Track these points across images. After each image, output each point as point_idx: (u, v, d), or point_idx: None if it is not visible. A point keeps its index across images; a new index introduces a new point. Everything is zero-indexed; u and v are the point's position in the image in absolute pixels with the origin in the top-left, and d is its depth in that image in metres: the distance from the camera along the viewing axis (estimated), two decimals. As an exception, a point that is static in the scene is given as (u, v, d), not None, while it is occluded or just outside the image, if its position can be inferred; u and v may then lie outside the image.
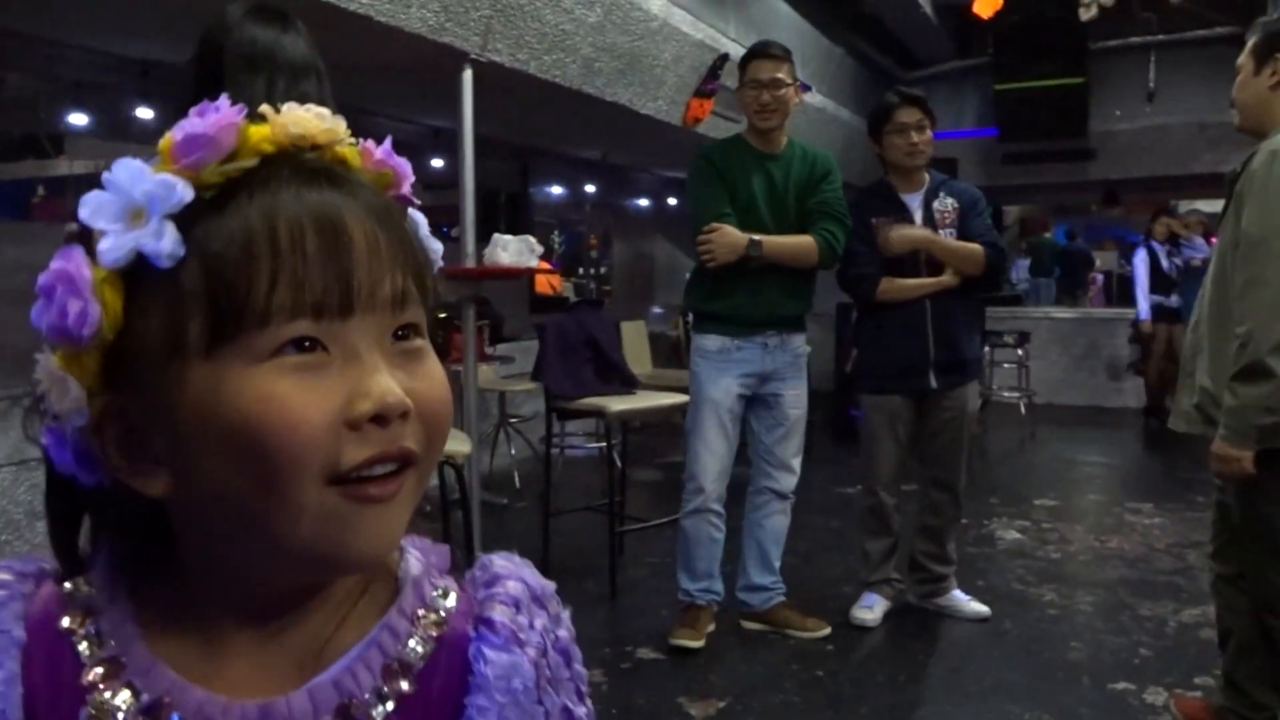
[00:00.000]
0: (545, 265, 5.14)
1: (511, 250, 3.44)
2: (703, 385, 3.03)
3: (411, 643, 0.53)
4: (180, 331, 0.45)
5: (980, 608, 3.29)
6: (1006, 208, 10.01)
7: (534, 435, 5.36)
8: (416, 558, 0.56)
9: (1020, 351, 7.17)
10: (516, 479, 5.22)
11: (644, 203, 10.42)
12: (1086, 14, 6.50)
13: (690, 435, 3.08)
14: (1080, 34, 7.85)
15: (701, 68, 5.31)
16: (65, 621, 0.50)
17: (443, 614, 0.54)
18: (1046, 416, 7.42)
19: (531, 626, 0.55)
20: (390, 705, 0.51)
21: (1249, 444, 2.01)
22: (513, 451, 5.39)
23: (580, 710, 0.56)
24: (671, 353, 6.88)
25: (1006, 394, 7.31)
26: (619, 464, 4.06)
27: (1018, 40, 8.05)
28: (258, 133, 0.46)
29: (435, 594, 0.55)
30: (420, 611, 0.54)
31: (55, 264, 0.45)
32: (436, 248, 0.55)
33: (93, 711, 0.47)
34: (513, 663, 0.53)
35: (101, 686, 0.48)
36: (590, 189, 9.88)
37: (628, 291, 10.49)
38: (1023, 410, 7.09)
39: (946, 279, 3.11)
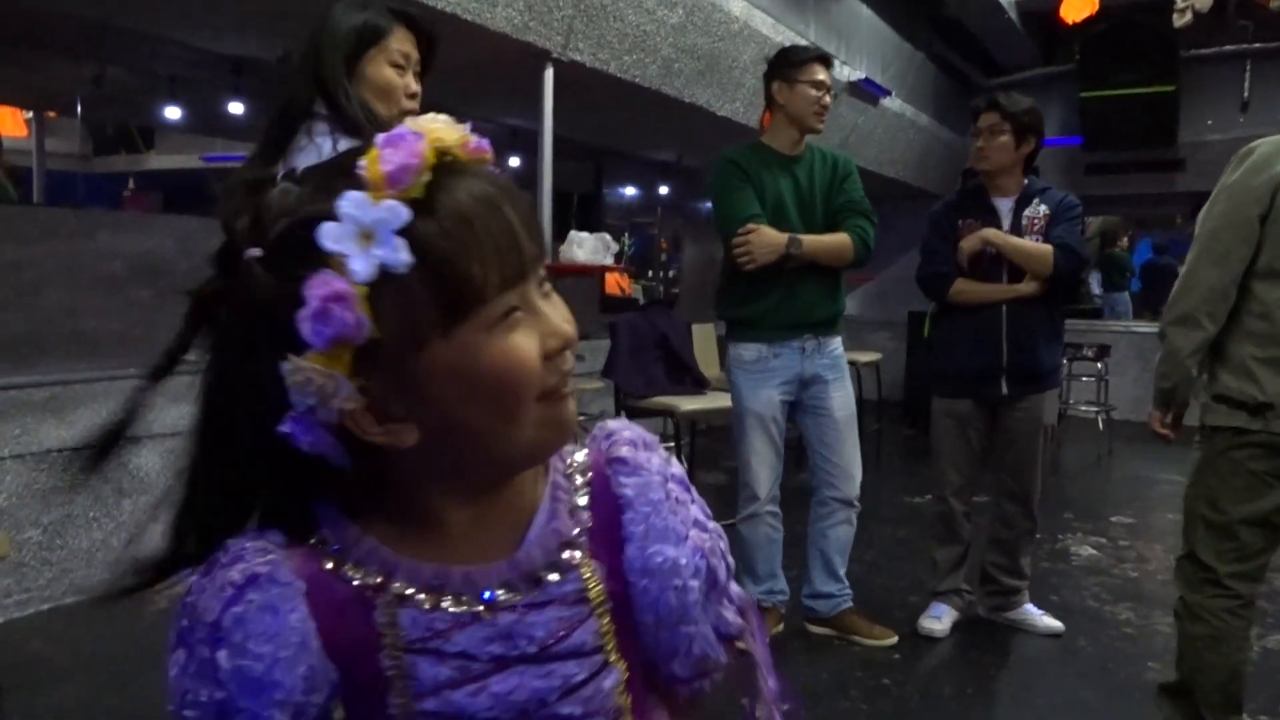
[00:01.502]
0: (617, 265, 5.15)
1: (588, 247, 3.47)
2: (744, 398, 3.00)
3: (578, 493, 0.71)
4: (419, 322, 0.57)
5: (1054, 623, 3.21)
6: (1088, 219, 9.77)
7: (601, 434, 5.38)
8: None
9: (1100, 365, 6.98)
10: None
11: (716, 206, 10.37)
12: (1180, 20, 6.31)
13: (738, 445, 3.06)
14: (1171, 41, 7.62)
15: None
16: (328, 565, 0.63)
17: (581, 462, 0.72)
18: (1125, 433, 7.21)
19: (649, 461, 0.72)
20: (582, 541, 0.69)
21: (1156, 405, 2.25)
22: (580, 449, 5.41)
23: (711, 524, 0.74)
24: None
25: (1084, 408, 7.13)
26: (686, 465, 4.06)
27: (1105, 47, 7.84)
28: (429, 155, 0.57)
29: (569, 454, 0.72)
30: (564, 464, 0.72)
31: (319, 290, 0.55)
32: None
33: (383, 615, 0.62)
34: (645, 482, 0.71)
35: (380, 594, 0.63)
36: (663, 191, 9.90)
37: (697, 295, 10.48)
38: (1100, 426, 6.90)
39: (1024, 287, 3.04)
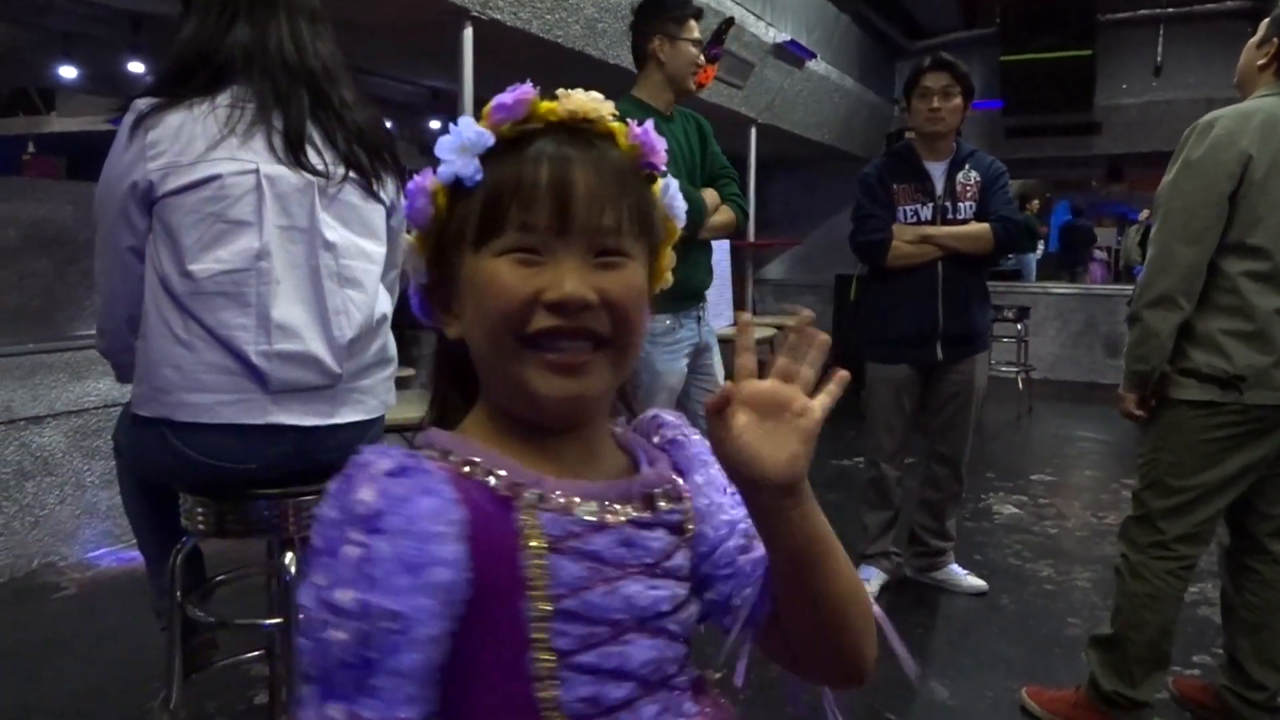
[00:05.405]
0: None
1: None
2: (659, 373, 2.87)
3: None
4: (466, 230, 0.71)
5: (977, 582, 3.27)
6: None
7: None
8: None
9: (1020, 326, 7.14)
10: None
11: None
12: (1097, -17, 6.38)
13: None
14: (1088, 5, 7.74)
15: (707, 32, 5.20)
16: (464, 469, 0.69)
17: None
18: (1044, 392, 7.41)
19: (694, 434, 0.85)
20: (679, 482, 0.79)
21: (1131, 388, 2.21)
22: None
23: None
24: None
25: (1005, 369, 7.29)
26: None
27: (1025, 11, 7.93)
28: (545, 106, 0.72)
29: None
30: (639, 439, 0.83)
31: (412, 182, 0.73)
32: (680, 206, 0.81)
33: (523, 515, 0.67)
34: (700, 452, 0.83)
35: (516, 498, 0.68)
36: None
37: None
38: (1020, 385, 7.07)
39: (965, 230, 3.05)
